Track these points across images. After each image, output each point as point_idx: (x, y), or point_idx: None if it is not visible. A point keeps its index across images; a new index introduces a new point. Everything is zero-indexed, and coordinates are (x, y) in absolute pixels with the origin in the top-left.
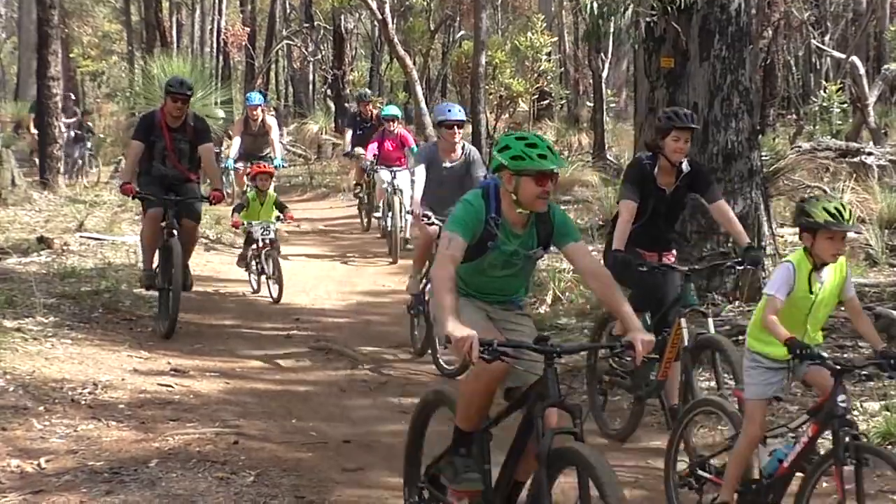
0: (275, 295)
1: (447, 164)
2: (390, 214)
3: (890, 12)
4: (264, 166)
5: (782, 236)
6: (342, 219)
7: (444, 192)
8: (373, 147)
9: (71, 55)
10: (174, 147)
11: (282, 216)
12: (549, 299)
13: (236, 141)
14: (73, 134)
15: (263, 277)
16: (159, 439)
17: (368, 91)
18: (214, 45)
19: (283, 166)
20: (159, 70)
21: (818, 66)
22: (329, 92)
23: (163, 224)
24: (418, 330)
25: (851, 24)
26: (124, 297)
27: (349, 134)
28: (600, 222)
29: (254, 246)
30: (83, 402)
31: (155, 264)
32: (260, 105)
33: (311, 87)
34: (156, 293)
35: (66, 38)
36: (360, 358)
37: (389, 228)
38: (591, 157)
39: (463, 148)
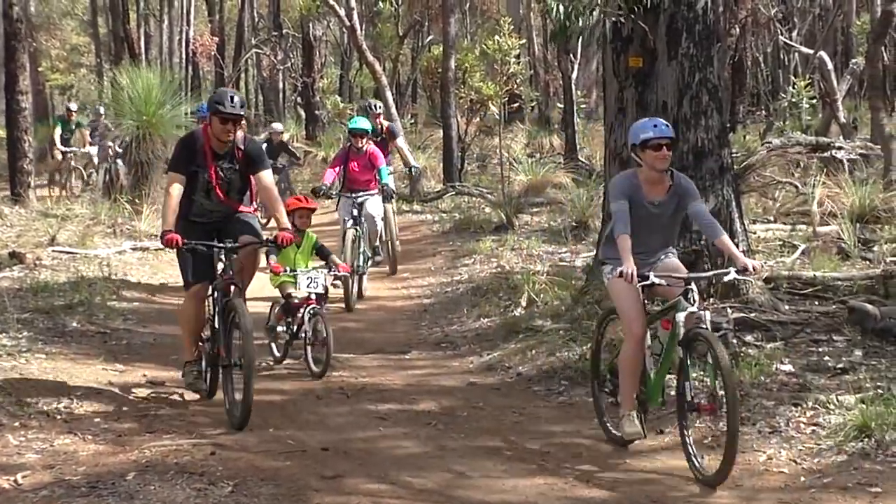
0: (318, 368)
1: (654, 200)
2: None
3: (857, 7)
4: (305, 199)
5: (754, 232)
6: (318, 226)
7: (651, 237)
8: (331, 172)
9: (39, 69)
10: (220, 178)
11: (333, 266)
12: (523, 301)
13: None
14: (118, 150)
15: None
16: (136, 452)
17: (377, 102)
18: (183, 56)
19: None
20: (128, 82)
21: (786, 63)
22: (299, 99)
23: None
24: None
25: (818, 20)
26: (98, 310)
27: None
28: (573, 223)
29: (293, 301)
30: (59, 417)
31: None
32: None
33: (281, 95)
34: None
35: (35, 51)
36: (335, 365)
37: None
38: (562, 158)
39: (672, 176)
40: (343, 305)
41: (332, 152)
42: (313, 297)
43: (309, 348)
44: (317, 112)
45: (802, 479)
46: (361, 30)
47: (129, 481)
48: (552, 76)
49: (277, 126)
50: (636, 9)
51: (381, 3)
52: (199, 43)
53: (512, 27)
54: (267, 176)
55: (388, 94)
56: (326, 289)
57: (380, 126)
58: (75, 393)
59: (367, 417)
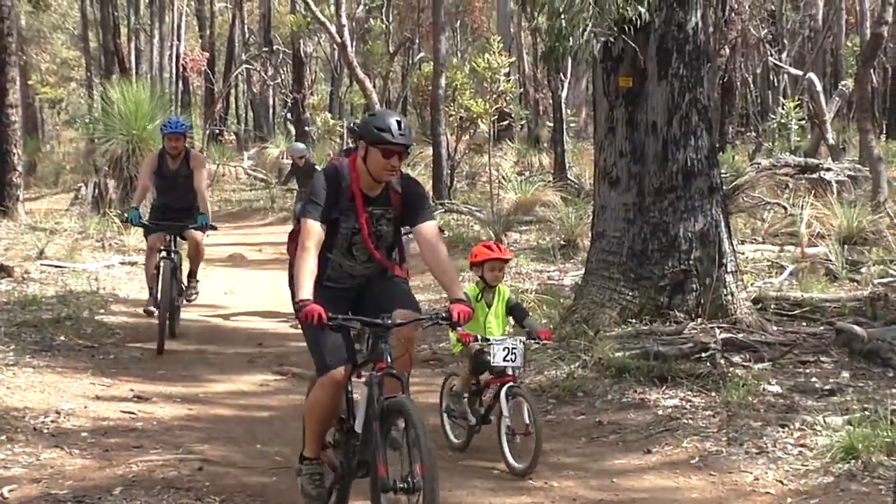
0: (521, 465)
1: None
2: None
3: (846, 29)
4: (498, 246)
5: (743, 253)
6: None
7: None
8: None
9: (29, 82)
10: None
11: (532, 331)
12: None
13: None
14: None
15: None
16: (123, 467)
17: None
18: (173, 71)
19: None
20: (118, 96)
21: (776, 83)
22: (289, 115)
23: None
24: None
25: (808, 42)
26: (86, 324)
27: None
28: (562, 242)
29: (483, 377)
30: (45, 431)
31: None
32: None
33: (270, 111)
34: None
35: (24, 65)
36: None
37: None
38: (551, 176)
39: None
40: None
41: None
42: (510, 371)
43: (505, 439)
44: (306, 128)
45: (789, 500)
46: (352, 46)
47: (116, 496)
48: (542, 95)
49: (299, 146)
50: (626, 29)
51: (371, 21)
52: (189, 58)
53: (502, 45)
54: (431, 228)
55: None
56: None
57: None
58: (62, 407)
59: None
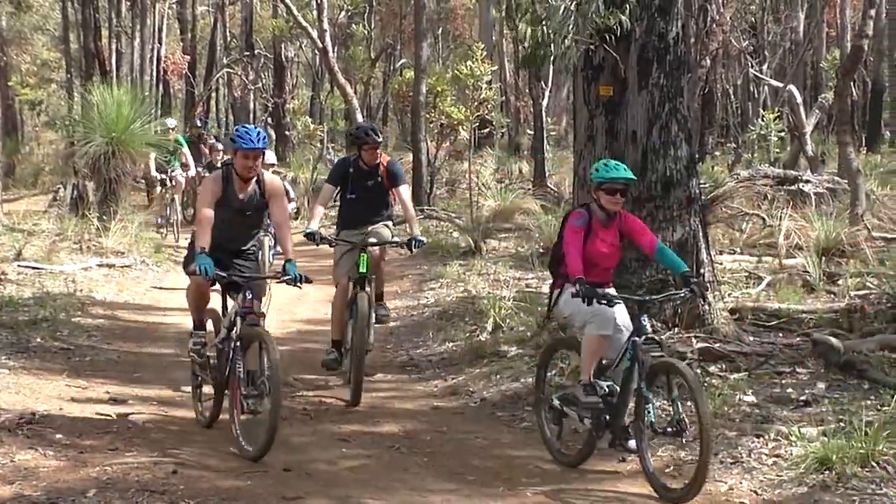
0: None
1: None
2: None
3: (827, 42)
4: None
5: (721, 263)
6: None
7: None
8: None
9: (9, 83)
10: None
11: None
12: (489, 327)
13: None
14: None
15: None
16: (98, 469)
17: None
18: (154, 74)
19: None
20: (98, 98)
21: (756, 95)
22: (270, 120)
23: None
24: None
25: (789, 54)
26: (62, 326)
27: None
28: (540, 250)
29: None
30: (20, 433)
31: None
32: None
33: (251, 115)
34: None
35: (5, 66)
36: (299, 386)
37: None
38: (531, 184)
39: None
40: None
41: (302, 173)
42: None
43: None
44: (287, 133)
45: None
46: (333, 52)
47: (90, 498)
48: (523, 103)
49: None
50: (608, 38)
51: (353, 26)
52: (170, 61)
53: (484, 53)
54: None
55: (359, 117)
56: None
57: (374, 161)
58: (37, 408)
59: (329, 439)
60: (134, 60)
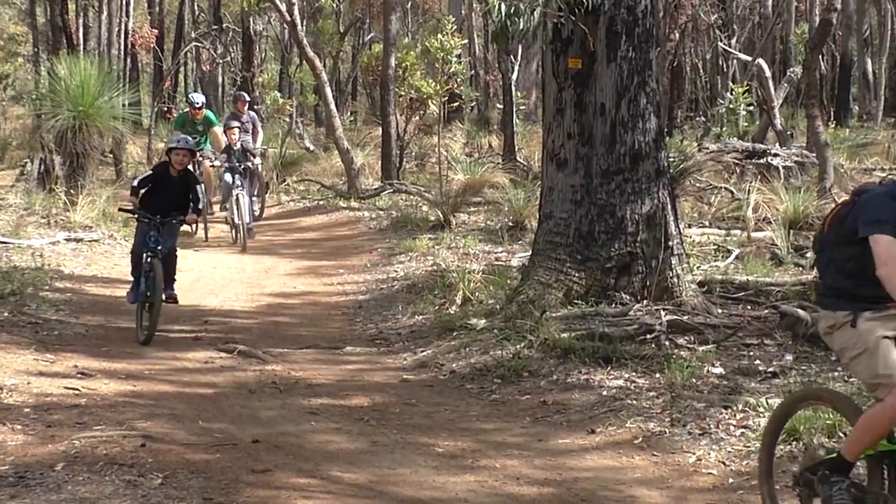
0: None
1: None
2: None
3: (795, 16)
4: None
5: (689, 236)
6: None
7: None
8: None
9: None
10: None
11: None
12: (458, 300)
13: None
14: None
15: None
16: (65, 443)
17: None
18: (122, 48)
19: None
20: (66, 72)
21: (725, 69)
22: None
23: None
24: None
25: (758, 28)
26: (30, 300)
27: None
28: (510, 223)
29: None
30: None
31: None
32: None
33: (220, 89)
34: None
35: None
36: (268, 359)
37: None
38: (501, 158)
39: None
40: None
41: (270, 147)
42: None
43: None
44: (256, 107)
45: (731, 480)
46: (302, 26)
47: (58, 472)
48: (492, 77)
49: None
50: (576, 10)
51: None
52: (138, 35)
53: (454, 27)
54: None
55: (328, 91)
56: None
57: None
58: (4, 383)
59: (298, 412)
60: (101, 34)
